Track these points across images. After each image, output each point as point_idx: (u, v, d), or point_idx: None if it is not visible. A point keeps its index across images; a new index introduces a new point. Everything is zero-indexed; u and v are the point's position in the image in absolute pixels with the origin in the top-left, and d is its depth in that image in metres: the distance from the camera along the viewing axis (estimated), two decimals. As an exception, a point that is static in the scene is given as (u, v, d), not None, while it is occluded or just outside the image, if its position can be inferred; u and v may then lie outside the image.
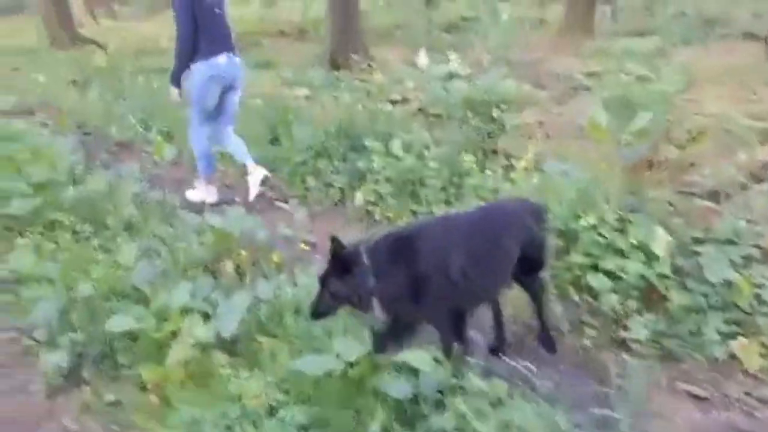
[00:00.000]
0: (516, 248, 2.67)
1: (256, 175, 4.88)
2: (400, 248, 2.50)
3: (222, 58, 4.63)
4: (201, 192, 5.03)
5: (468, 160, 4.10)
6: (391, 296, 2.48)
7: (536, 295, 2.89)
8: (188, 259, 3.53)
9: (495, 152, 4.50)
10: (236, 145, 5.00)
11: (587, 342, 2.98)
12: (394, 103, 5.76)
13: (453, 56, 6.20)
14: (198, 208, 4.65)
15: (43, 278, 3.39)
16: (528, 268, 2.79)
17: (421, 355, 2.31)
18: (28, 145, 5.30)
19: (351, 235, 4.11)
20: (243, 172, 5.14)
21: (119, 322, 2.72)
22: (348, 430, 2.17)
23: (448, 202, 4.03)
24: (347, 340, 2.44)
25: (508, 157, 4.34)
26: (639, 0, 15.00)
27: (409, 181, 4.26)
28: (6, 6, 23.71)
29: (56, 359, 2.83)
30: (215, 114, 4.83)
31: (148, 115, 6.90)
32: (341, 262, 2.45)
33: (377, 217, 4.34)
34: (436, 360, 2.34)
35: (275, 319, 2.85)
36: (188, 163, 5.90)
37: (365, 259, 2.45)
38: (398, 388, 2.24)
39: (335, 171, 4.79)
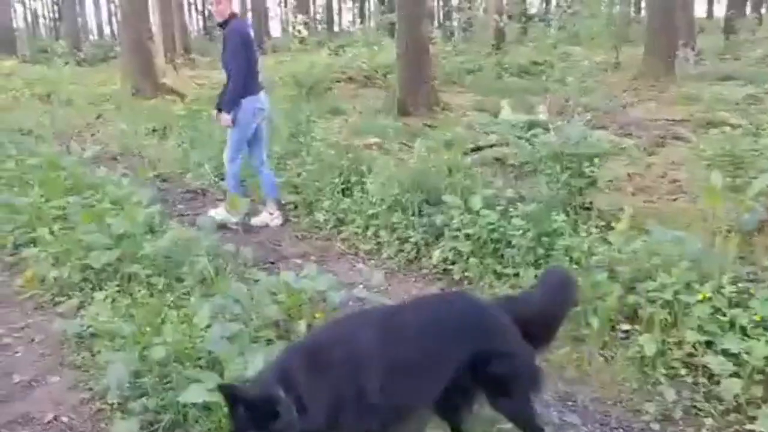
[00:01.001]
0: (453, 363, 2.12)
1: (274, 218, 5.56)
2: (316, 364, 2.01)
3: (262, 94, 5.51)
4: (224, 211, 5.57)
5: (558, 219, 3.82)
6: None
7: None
8: (261, 319, 3.41)
9: (587, 209, 4.20)
10: (268, 178, 5.67)
11: (705, 433, 2.62)
12: (471, 153, 5.56)
13: (535, 105, 5.98)
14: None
15: (118, 335, 3.34)
16: (493, 392, 2.21)
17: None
18: (109, 195, 5.43)
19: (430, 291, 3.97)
20: (262, 201, 5.75)
21: (193, 395, 2.58)
22: None
23: (536, 264, 3.75)
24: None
25: (601, 215, 4.03)
26: (719, 43, 14.44)
27: (491, 240, 4.02)
28: (96, 55, 25.39)
29: (126, 427, 2.71)
30: (250, 141, 5.58)
31: (221, 163, 6.99)
32: (256, 410, 1.84)
33: (456, 276, 4.10)
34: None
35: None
36: (259, 213, 5.88)
37: (281, 392, 1.90)
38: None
39: (410, 225, 4.61)
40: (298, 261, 4.74)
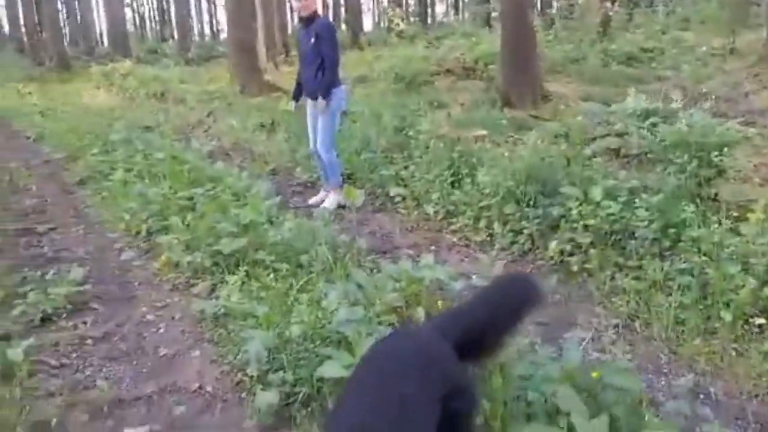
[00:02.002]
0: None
1: (331, 200, 6.00)
2: None
3: (344, 86, 6.00)
4: (334, 197, 5.99)
5: (687, 209, 3.68)
6: None
7: None
8: (382, 305, 3.53)
9: (714, 200, 4.03)
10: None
11: None
12: (587, 143, 5.45)
13: (656, 93, 5.74)
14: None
15: (251, 315, 3.58)
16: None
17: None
18: (229, 187, 5.77)
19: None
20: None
21: (330, 370, 2.73)
22: None
23: (661, 256, 3.64)
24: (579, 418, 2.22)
25: (729, 206, 3.86)
26: None
27: (613, 231, 3.94)
28: (201, 55, 26.83)
29: (268, 398, 2.91)
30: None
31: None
32: None
33: (574, 268, 4.05)
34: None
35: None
36: (370, 204, 6.05)
37: None
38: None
39: (524, 217, 4.59)
40: (410, 251, 4.84)
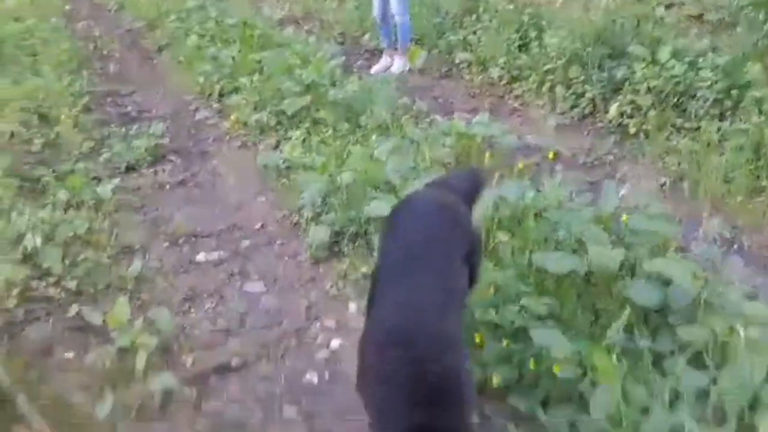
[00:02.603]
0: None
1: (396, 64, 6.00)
2: None
3: None
4: (400, 61, 5.97)
5: (754, 69, 3.51)
6: None
7: None
8: (433, 158, 3.68)
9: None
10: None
11: None
12: (666, 6, 5.13)
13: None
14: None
15: (310, 166, 3.83)
16: None
17: (675, 265, 2.14)
18: (296, 51, 5.88)
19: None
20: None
21: (377, 208, 2.95)
22: (585, 329, 2.12)
23: (721, 117, 3.54)
24: (597, 247, 2.35)
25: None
26: None
27: (675, 93, 3.82)
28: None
29: (320, 234, 3.21)
30: None
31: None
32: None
33: (632, 130, 4.00)
34: (693, 273, 2.15)
35: (516, 220, 2.85)
36: (436, 70, 6.03)
37: None
38: (647, 295, 2.12)
39: (588, 80, 4.49)
40: (468, 115, 4.88)
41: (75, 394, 2.29)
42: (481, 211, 2.74)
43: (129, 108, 5.90)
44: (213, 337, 2.74)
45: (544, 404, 2.08)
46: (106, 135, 4.94)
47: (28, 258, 2.94)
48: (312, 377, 2.51)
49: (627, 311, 2.03)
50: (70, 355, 2.52)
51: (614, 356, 1.94)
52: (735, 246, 2.86)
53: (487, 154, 3.51)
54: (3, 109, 4.63)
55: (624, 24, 4.55)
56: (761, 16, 3.84)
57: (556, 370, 2.05)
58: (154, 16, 9.10)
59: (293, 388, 2.46)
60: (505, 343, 2.22)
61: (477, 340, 2.27)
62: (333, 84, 5.05)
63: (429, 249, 1.93)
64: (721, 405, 1.83)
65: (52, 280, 2.90)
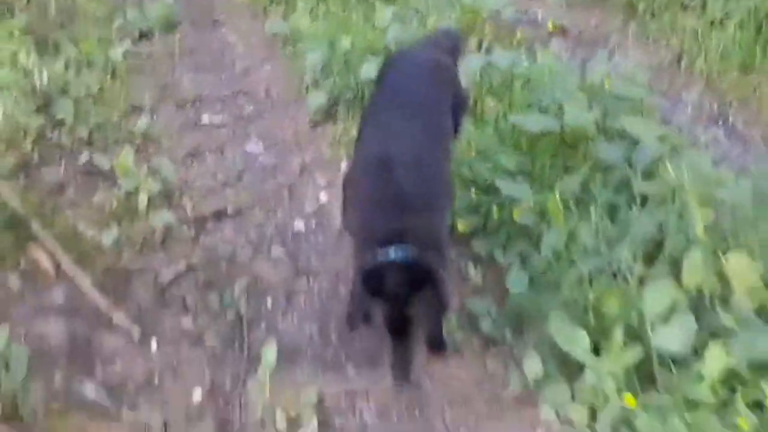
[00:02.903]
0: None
1: None
2: None
3: None
4: None
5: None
6: None
7: None
8: (435, 26, 3.69)
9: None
10: None
11: None
12: None
13: None
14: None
15: (315, 36, 3.87)
16: None
17: (642, 125, 2.23)
18: None
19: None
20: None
21: (369, 70, 3.03)
22: (552, 184, 2.26)
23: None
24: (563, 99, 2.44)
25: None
26: None
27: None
28: None
29: (319, 100, 3.32)
30: None
31: None
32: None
33: (640, 7, 3.92)
34: (661, 135, 2.24)
35: (505, 86, 2.92)
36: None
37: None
38: (612, 153, 2.23)
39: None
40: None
41: (84, 226, 2.54)
42: (470, 75, 2.84)
43: (144, -21, 5.89)
44: (212, 188, 2.95)
45: (504, 249, 2.26)
46: (121, 2, 4.98)
47: (42, 108, 3.12)
48: (300, 225, 2.73)
49: (586, 165, 2.15)
50: (80, 194, 2.76)
51: (570, 204, 2.09)
52: (720, 121, 2.90)
53: (487, 26, 3.51)
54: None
55: None
56: None
57: (515, 216, 2.22)
58: None
59: (282, 234, 2.68)
60: (474, 194, 2.38)
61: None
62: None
63: (413, 93, 2.08)
64: (665, 250, 1.98)
65: (65, 129, 3.10)
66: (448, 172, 2.05)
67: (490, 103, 2.85)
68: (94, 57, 3.81)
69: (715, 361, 1.59)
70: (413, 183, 1.77)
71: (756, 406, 1.55)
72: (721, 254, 1.74)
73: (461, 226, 2.33)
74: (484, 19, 3.73)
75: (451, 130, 2.18)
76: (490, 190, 2.40)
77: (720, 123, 2.89)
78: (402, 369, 1.73)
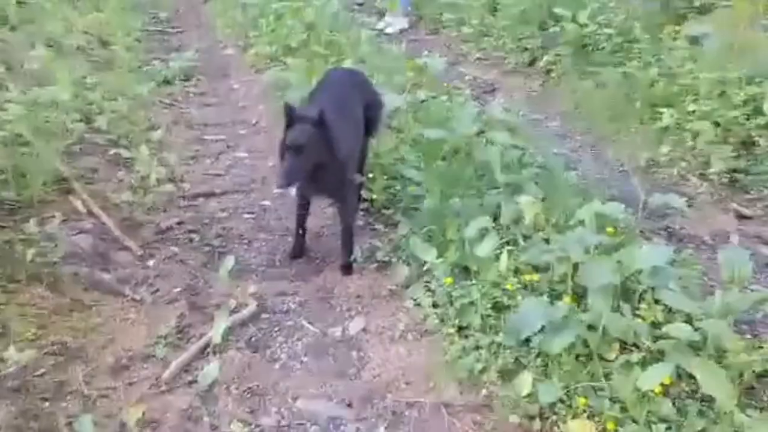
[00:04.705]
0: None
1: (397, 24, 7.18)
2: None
3: None
4: (398, 21, 7.13)
5: (637, 26, 4.55)
6: None
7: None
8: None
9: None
10: None
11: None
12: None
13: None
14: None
15: (296, 84, 4.98)
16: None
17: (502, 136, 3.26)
18: (311, 3, 7.04)
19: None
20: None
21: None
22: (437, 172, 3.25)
23: (615, 64, 4.61)
24: (462, 122, 3.48)
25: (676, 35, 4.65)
26: None
27: (585, 45, 4.87)
28: None
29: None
30: None
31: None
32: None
33: (554, 75, 5.08)
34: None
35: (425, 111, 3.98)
36: (426, 28, 7.12)
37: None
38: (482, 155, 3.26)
39: (531, 36, 5.54)
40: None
41: (108, 192, 3.53)
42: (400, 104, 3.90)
43: (173, 43, 7.20)
44: (206, 178, 3.97)
45: (402, 212, 3.24)
46: (151, 58, 6.22)
47: (85, 119, 4.19)
48: (267, 202, 3.72)
49: (457, 159, 3.16)
50: (107, 174, 3.77)
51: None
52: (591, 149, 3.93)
53: (424, 77, 4.62)
54: (71, 30, 5.92)
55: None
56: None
57: (411, 190, 3.21)
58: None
59: (252, 206, 3.68)
60: (386, 179, 3.38)
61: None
62: (331, 31, 6.20)
63: (336, 91, 3.15)
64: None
65: (101, 133, 4.16)
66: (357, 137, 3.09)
67: (410, 120, 3.89)
68: (125, 91, 4.93)
69: (504, 261, 2.52)
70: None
71: (524, 287, 2.47)
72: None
73: (376, 197, 3.33)
74: (424, 72, 4.83)
75: (361, 121, 3.17)
76: (397, 177, 3.41)
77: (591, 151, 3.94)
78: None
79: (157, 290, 2.87)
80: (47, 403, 2.14)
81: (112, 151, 4.00)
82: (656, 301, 2.23)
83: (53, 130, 3.68)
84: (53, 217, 2.95)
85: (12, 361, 2.16)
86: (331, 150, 2.69)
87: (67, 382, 2.24)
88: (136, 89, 5.01)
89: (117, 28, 6.49)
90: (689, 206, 3.18)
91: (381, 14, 8.03)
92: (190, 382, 2.32)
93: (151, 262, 3.07)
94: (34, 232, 2.75)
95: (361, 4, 8.62)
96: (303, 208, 3.12)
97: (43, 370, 2.25)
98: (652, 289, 2.26)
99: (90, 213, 3.28)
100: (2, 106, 3.40)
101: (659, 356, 2.06)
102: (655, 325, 2.17)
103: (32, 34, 5.26)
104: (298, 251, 3.18)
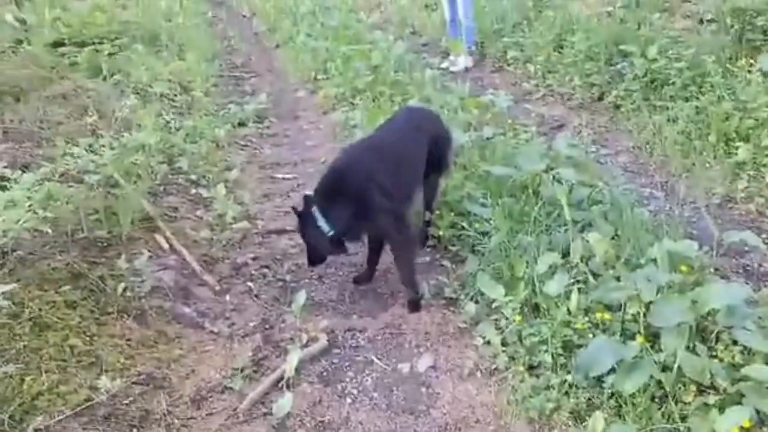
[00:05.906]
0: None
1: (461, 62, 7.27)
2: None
3: None
4: (463, 60, 7.20)
5: (709, 60, 4.46)
6: None
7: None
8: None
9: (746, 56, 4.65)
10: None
11: None
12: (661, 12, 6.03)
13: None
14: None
15: (361, 124, 5.15)
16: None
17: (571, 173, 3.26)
18: (378, 47, 7.28)
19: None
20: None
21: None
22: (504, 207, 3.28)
23: (686, 98, 4.52)
24: (529, 158, 3.50)
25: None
26: None
27: (654, 80, 4.81)
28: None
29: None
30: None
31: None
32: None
33: (623, 109, 5.04)
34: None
35: (491, 151, 4.03)
36: (491, 66, 7.21)
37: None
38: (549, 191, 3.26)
39: (598, 72, 5.51)
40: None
41: (189, 229, 3.73)
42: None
43: (246, 87, 7.58)
44: (278, 215, 4.14)
45: (471, 249, 3.27)
46: (227, 102, 6.57)
47: (168, 161, 4.46)
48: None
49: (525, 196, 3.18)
50: (188, 212, 3.99)
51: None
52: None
53: (489, 114, 4.68)
54: (156, 79, 6.34)
55: (628, 27, 5.53)
56: (729, 19, 4.71)
57: (477, 226, 3.24)
58: (276, 21, 10.93)
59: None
60: (452, 215, 3.43)
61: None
62: (395, 70, 6.37)
63: (395, 128, 3.33)
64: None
65: (182, 174, 4.42)
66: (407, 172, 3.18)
67: (474, 159, 3.94)
68: (204, 133, 5.22)
69: (574, 299, 2.51)
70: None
71: (595, 326, 2.45)
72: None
73: (443, 234, 3.38)
74: (489, 109, 4.88)
75: (422, 159, 3.27)
76: (464, 213, 3.45)
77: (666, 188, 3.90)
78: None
79: (234, 324, 3.01)
80: (134, 431, 2.27)
81: (192, 191, 4.25)
82: (734, 342, 2.16)
83: (140, 172, 3.94)
84: (140, 253, 3.15)
85: (104, 389, 2.31)
86: (316, 226, 2.97)
87: (152, 411, 2.37)
88: (214, 132, 5.32)
89: (196, 75, 6.91)
90: (767, 243, 3.08)
91: (446, 54, 8.19)
92: (265, 414, 2.41)
93: (227, 297, 3.22)
94: (124, 268, 2.95)
95: (425, 45, 8.83)
96: (373, 242, 3.24)
97: (130, 399, 2.39)
98: (729, 329, 2.19)
99: (173, 249, 3.48)
100: (97, 151, 3.68)
101: (737, 398, 1.99)
102: (733, 366, 2.09)
103: (121, 83, 5.68)
104: (364, 278, 3.32)
